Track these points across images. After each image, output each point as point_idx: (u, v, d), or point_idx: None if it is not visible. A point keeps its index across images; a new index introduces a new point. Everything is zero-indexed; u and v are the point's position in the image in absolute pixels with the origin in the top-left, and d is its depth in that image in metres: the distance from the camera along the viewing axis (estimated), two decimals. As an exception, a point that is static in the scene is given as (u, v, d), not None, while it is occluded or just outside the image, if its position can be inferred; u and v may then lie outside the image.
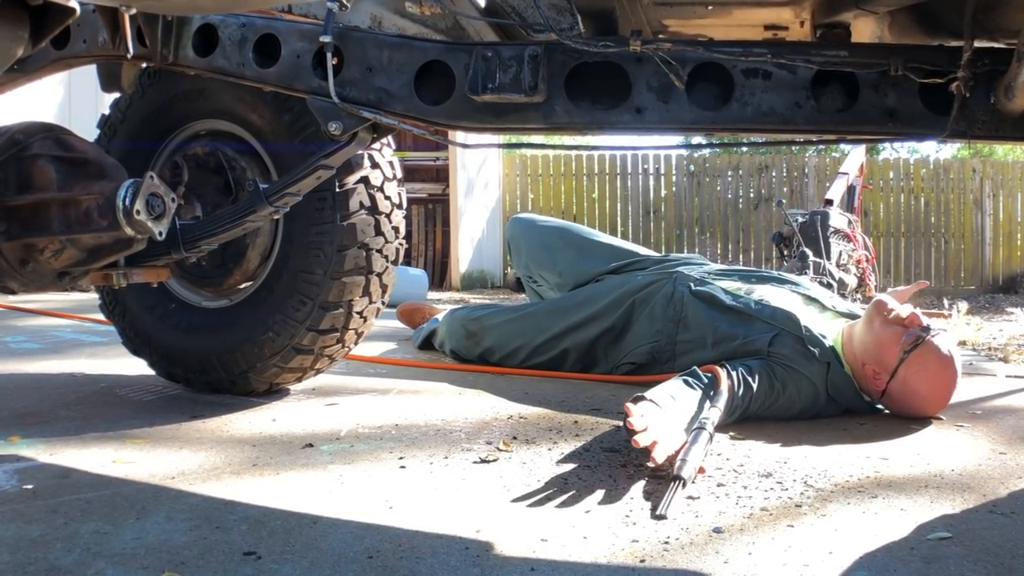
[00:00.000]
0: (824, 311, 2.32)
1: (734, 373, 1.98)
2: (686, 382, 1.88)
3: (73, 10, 1.21)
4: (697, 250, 9.45)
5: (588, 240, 2.90)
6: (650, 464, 1.58)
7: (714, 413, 1.76)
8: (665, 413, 1.69)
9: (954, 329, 4.48)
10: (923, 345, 2.00)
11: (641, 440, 1.53)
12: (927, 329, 2.02)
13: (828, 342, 2.13)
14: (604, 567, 1.15)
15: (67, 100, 5.92)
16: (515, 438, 1.84)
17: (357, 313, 2.09)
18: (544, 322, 2.68)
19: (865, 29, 1.58)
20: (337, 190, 1.98)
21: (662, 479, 1.52)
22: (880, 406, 2.18)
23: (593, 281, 2.75)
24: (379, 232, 2.06)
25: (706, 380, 1.92)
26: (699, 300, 2.40)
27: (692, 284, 2.45)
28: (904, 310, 2.05)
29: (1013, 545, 1.25)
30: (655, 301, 2.49)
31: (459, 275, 8.34)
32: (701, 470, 1.56)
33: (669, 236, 9.58)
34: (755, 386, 1.99)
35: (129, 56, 1.73)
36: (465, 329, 2.75)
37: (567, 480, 1.54)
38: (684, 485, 1.45)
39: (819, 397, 2.09)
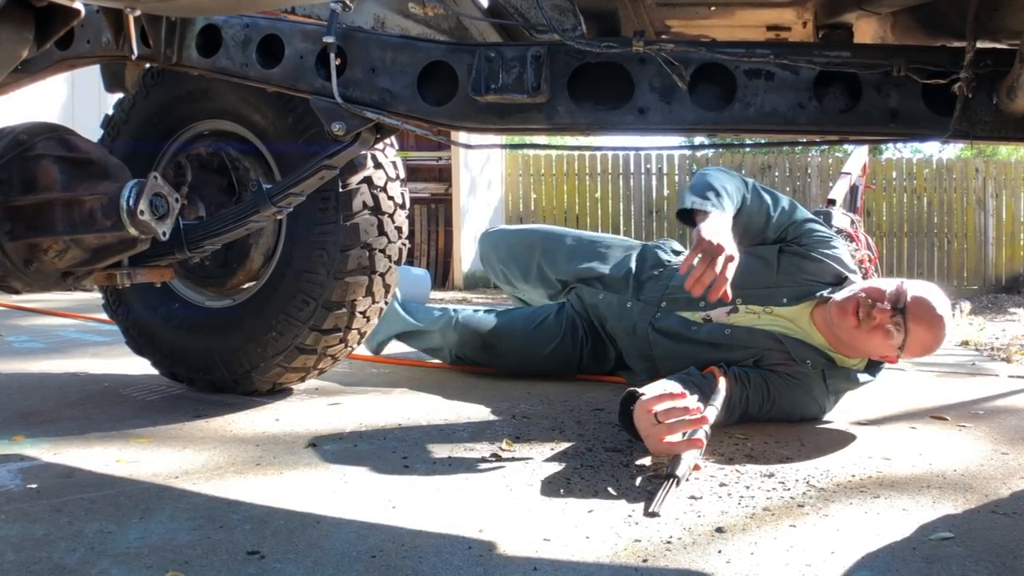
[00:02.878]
0: (783, 307, 2.12)
1: (730, 373, 1.98)
2: (682, 380, 1.88)
3: (78, 12, 1.22)
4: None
5: (554, 244, 2.78)
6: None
7: (711, 412, 1.76)
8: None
9: (957, 329, 4.48)
10: (910, 330, 1.88)
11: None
12: (900, 310, 1.88)
13: (813, 343, 2.04)
14: (607, 566, 1.15)
15: (70, 100, 5.93)
16: (518, 438, 1.84)
17: (360, 313, 2.09)
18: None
19: (867, 30, 1.59)
20: (340, 190, 1.99)
21: (663, 479, 1.53)
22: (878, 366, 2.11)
23: (563, 291, 2.70)
24: (382, 232, 2.07)
25: (703, 379, 1.92)
26: (665, 337, 2.27)
27: (653, 320, 2.31)
28: (865, 310, 1.90)
29: (1015, 545, 1.25)
30: (621, 336, 2.44)
31: (462, 274, 8.34)
32: (696, 467, 1.56)
33: (672, 236, 9.58)
34: (751, 390, 1.99)
35: (133, 57, 1.74)
36: (482, 340, 2.66)
37: (569, 480, 1.54)
38: (678, 483, 1.46)
39: (821, 403, 2.06)
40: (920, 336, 1.90)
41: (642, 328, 2.32)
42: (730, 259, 1.81)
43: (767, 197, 2.18)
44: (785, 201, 2.20)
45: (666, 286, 2.34)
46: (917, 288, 1.93)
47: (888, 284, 1.96)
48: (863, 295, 1.94)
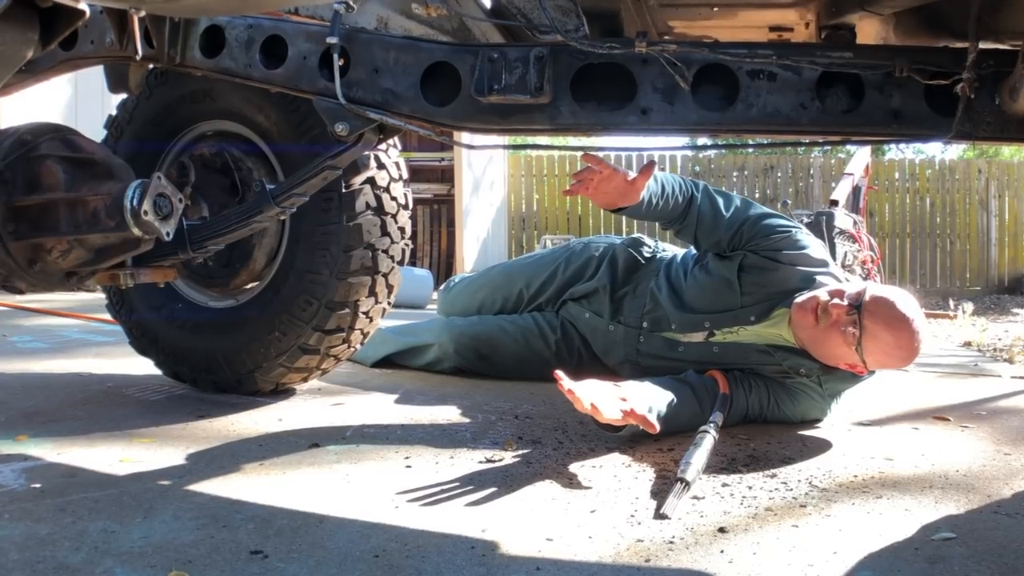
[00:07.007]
0: (753, 325, 2.05)
1: (730, 376, 1.98)
2: (675, 378, 1.91)
3: (83, 12, 1.22)
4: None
5: (501, 275, 2.80)
6: (578, 408, 1.61)
7: (718, 417, 1.77)
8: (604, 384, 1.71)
9: (959, 330, 4.48)
10: (866, 328, 1.80)
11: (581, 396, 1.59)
12: (857, 307, 1.81)
13: (802, 358, 1.98)
14: (609, 566, 1.15)
15: (74, 101, 5.94)
16: (520, 438, 1.84)
17: (363, 313, 2.09)
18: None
19: (870, 30, 1.59)
20: (343, 191, 1.99)
21: (668, 479, 1.53)
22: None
23: (528, 303, 2.67)
24: (385, 232, 2.07)
25: (698, 379, 1.94)
26: (653, 359, 2.24)
27: (638, 346, 2.26)
28: (823, 307, 1.85)
29: (1017, 545, 1.26)
30: (611, 358, 2.39)
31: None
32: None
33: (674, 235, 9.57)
34: (751, 392, 1.99)
35: (137, 57, 1.74)
36: (477, 353, 2.65)
37: (572, 480, 1.54)
38: (688, 487, 1.46)
39: (821, 406, 2.05)
40: (878, 335, 1.79)
41: (630, 354, 2.29)
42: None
43: (719, 198, 2.11)
44: (737, 199, 2.13)
45: (643, 305, 2.28)
46: (882, 290, 1.85)
47: (854, 286, 1.89)
48: (824, 295, 1.88)
